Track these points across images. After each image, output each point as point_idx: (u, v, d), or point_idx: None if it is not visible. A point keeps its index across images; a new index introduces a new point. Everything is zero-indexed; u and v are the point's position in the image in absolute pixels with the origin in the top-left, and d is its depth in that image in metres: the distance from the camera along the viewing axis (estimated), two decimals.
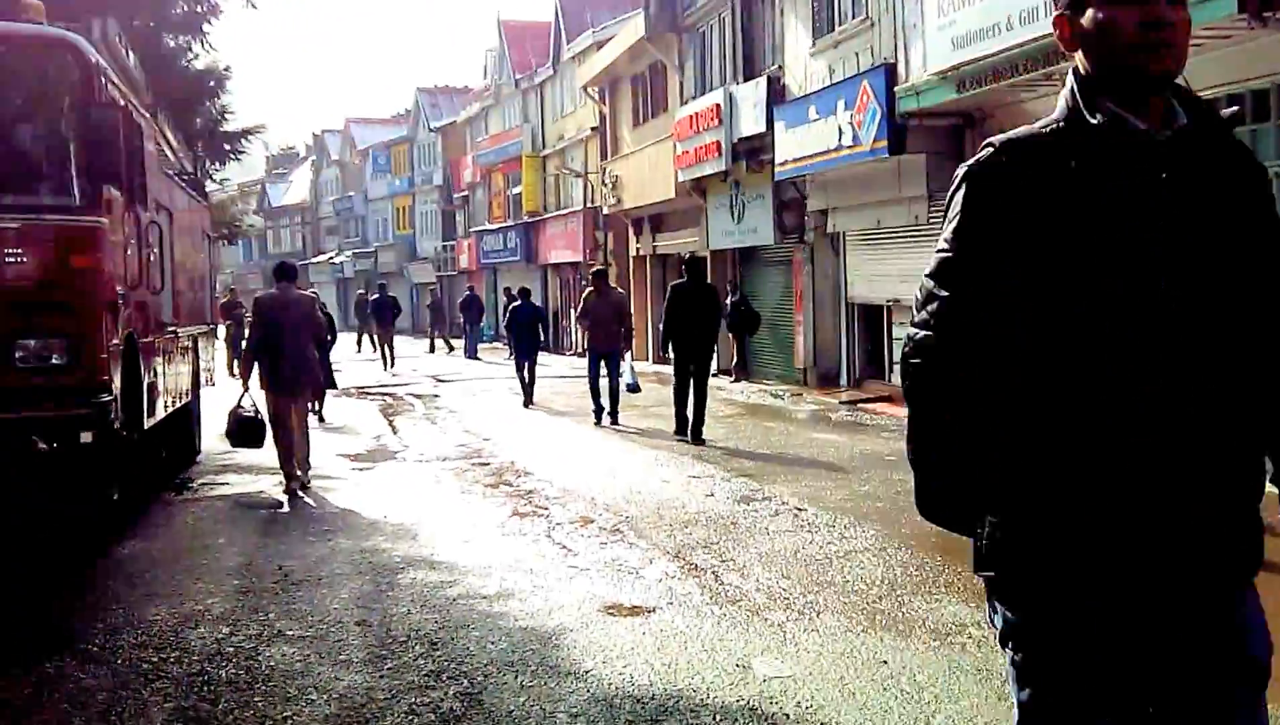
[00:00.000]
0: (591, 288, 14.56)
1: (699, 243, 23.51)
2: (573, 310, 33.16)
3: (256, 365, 9.26)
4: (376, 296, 29.73)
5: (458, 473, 10.30)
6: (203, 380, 11.77)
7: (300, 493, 9.18)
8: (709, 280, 18.10)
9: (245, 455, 10.86)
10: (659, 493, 9.01)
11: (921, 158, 14.90)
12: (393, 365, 25.92)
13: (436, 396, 18.51)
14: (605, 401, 14.08)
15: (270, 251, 70.97)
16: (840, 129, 15.74)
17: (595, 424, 13.69)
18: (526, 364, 16.90)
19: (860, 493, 8.94)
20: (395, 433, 13.67)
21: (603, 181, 27.91)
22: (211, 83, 17.71)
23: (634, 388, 14.41)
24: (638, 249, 27.46)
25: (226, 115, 17.52)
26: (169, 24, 15.81)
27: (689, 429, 12.18)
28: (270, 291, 9.82)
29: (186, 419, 10.80)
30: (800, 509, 8.20)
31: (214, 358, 13.08)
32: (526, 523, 7.92)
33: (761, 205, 20.12)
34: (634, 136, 26.73)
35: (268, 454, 9.85)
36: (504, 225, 39.56)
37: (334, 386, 15.64)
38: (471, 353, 29.11)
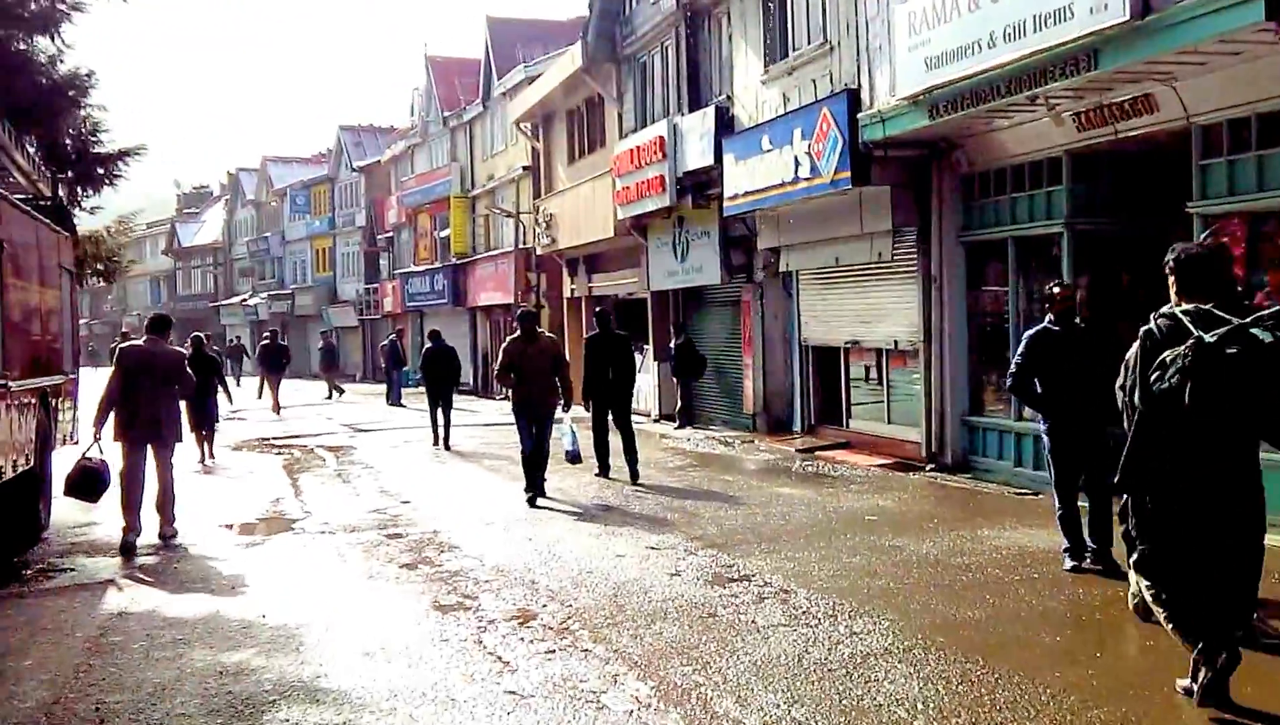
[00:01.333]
0: (518, 334, 11.54)
1: (639, 283, 22.22)
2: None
3: (112, 416, 8.91)
4: (266, 342, 29.46)
5: (367, 548, 8.70)
6: (56, 440, 10.01)
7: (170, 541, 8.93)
8: (629, 326, 18.50)
9: (104, 529, 9.22)
10: (614, 572, 7.53)
11: (886, 190, 13.77)
12: (277, 411, 25.68)
13: (352, 448, 16.79)
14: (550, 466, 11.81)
15: (180, 292, 68.24)
16: (797, 160, 14.57)
17: (530, 503, 10.71)
18: (441, 406, 17.19)
19: (852, 566, 7.56)
20: (298, 494, 11.99)
21: (536, 221, 26.53)
22: (71, 92, 15.17)
23: (575, 456, 11.96)
24: (573, 290, 26.08)
25: (99, 132, 15.48)
26: (20, 23, 13.56)
27: (630, 473, 12.55)
28: (137, 343, 9.48)
29: (29, 488, 8.98)
30: (788, 591, 6.79)
31: (76, 413, 11.29)
32: (450, 620, 6.38)
33: (707, 243, 18.88)
34: (569, 173, 25.44)
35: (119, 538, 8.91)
36: (431, 267, 37.95)
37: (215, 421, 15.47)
38: (396, 400, 27.37)
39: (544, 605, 6.59)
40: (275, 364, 27.94)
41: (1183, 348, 4.37)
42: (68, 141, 14.96)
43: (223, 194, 67.28)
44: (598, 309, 18.54)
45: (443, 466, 14.38)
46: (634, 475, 12.34)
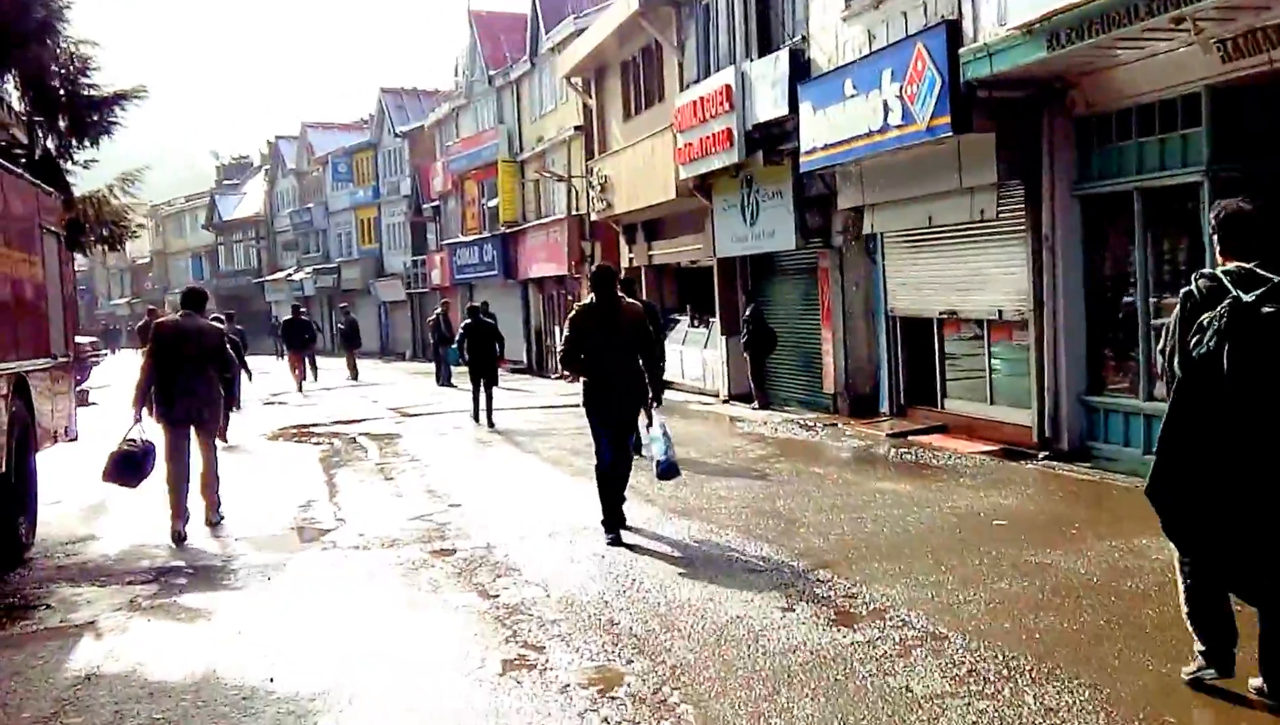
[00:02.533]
0: (590, 300, 8.50)
1: (703, 250, 20.81)
2: (557, 330, 30.58)
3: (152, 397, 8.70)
4: (288, 318, 29.27)
5: (408, 570, 7.43)
6: (42, 438, 8.84)
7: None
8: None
9: (102, 546, 8.09)
10: (709, 608, 6.19)
11: (990, 138, 12.26)
12: (299, 390, 25.81)
13: (396, 437, 15.61)
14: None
15: (222, 268, 67.75)
16: (886, 105, 13.05)
17: (612, 543, 8.09)
18: (484, 382, 17.13)
19: (1004, 596, 6.18)
20: (333, 495, 10.76)
21: (589, 184, 25.18)
22: (40, 13, 12.69)
23: (670, 469, 8.46)
24: (630, 259, 24.72)
25: (89, 71, 13.90)
26: None
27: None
28: (173, 318, 9.15)
29: (3, 502, 7.68)
30: (938, 637, 5.43)
31: (68, 403, 10.15)
32: (510, 687, 5.05)
33: (780, 204, 17.42)
34: (625, 131, 24.03)
35: (124, 549, 7.92)
36: (479, 237, 36.77)
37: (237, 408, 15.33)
38: (445, 380, 26.21)
39: (629, 661, 5.27)
40: (298, 341, 27.71)
41: (1219, 308, 4.31)
42: (55, 83, 13.49)
43: (263, 164, 66.57)
44: (621, 278, 17.50)
45: (496, 459, 13.14)
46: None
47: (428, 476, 11.63)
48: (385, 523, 9.10)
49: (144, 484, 8.61)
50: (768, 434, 14.86)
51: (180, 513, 8.67)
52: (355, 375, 30.65)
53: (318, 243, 56.19)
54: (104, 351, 36.30)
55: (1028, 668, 4.94)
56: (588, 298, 8.64)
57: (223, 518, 9.25)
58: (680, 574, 7.02)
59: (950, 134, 11.99)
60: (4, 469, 7.46)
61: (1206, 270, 4.62)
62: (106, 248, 16.00)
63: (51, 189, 9.82)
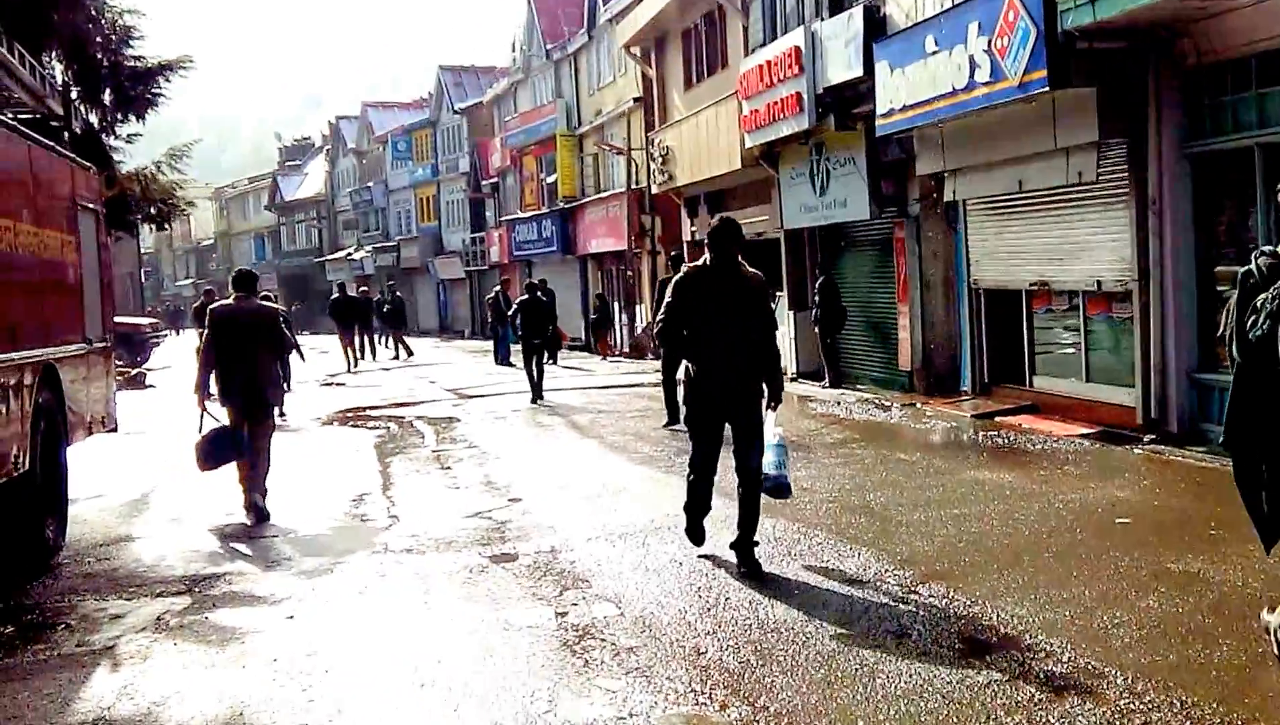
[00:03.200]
0: (701, 263, 6.62)
1: (770, 222, 19.77)
2: (642, 308, 29.68)
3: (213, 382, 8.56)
4: (335, 297, 29.05)
5: (465, 580, 6.56)
6: (75, 430, 8.15)
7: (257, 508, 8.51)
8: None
9: (136, 550, 7.40)
10: (811, 631, 5.25)
11: (1090, 94, 11.14)
12: (348, 370, 25.62)
13: (454, 421, 14.83)
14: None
15: (285, 248, 67.74)
16: (973, 61, 11.94)
17: (745, 569, 6.44)
18: (535, 359, 17.03)
19: (1158, 618, 5.17)
20: (386, 488, 9.96)
21: (649, 156, 24.19)
22: None
23: (781, 487, 6.80)
24: (693, 232, 23.73)
25: (131, 40, 13.17)
26: None
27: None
28: (226, 302, 9.00)
29: (28, 500, 6.98)
30: (1092, 673, 4.45)
31: (105, 391, 9.47)
32: None
33: (853, 172, 16.34)
34: (686, 100, 23.00)
35: (160, 553, 7.25)
36: (537, 213, 35.99)
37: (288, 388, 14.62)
38: (504, 358, 25.50)
39: (723, 706, 4.34)
40: (347, 320, 27.47)
41: (1273, 289, 3.99)
42: (98, 54, 12.76)
43: (324, 145, 66.35)
44: (673, 252, 17.17)
45: (557, 445, 12.29)
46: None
47: (486, 466, 10.82)
48: (441, 521, 8.28)
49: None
50: (843, 415, 13.88)
51: (257, 487, 8.63)
52: (402, 354, 30.09)
53: (378, 221, 55.84)
54: (165, 332, 36.10)
55: (1215, 721, 3.97)
56: (698, 260, 6.64)
57: (267, 512, 8.77)
58: (770, 585, 6.12)
59: (1046, 90, 10.88)
60: (26, 466, 6.75)
61: (1267, 247, 4.31)
62: (155, 226, 15.37)
63: (89, 164, 9.10)
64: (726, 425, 6.60)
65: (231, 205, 76.16)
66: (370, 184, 56.11)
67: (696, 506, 6.87)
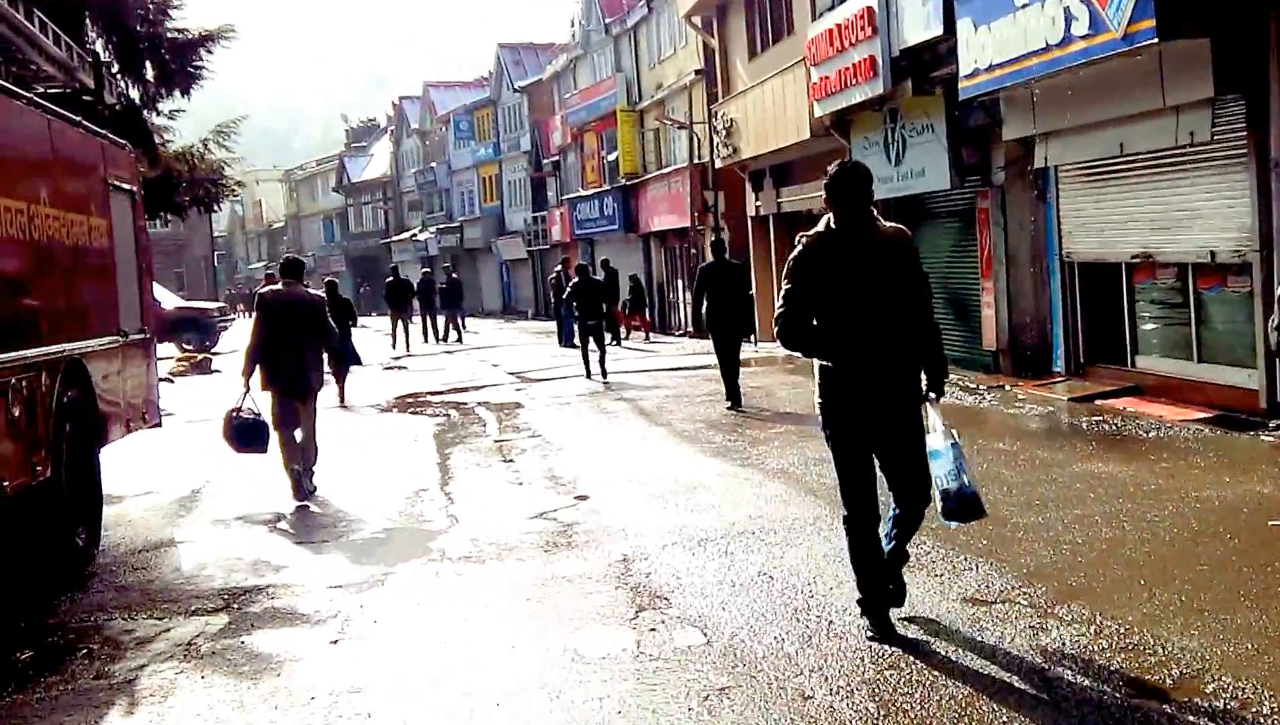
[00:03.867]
0: (823, 227, 4.86)
1: None
2: (680, 285, 28.85)
3: (258, 367, 8.55)
4: (390, 280, 28.67)
5: (529, 596, 5.75)
6: (110, 428, 7.49)
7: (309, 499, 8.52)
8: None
9: (176, 558, 6.74)
10: (937, 670, 4.39)
11: (1203, 45, 9.98)
12: (406, 348, 25.62)
13: (517, 407, 14.08)
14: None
15: (351, 230, 67.67)
16: (1069, 13, 10.82)
17: (875, 634, 4.79)
18: (593, 337, 17.16)
19: None
20: (445, 483, 9.20)
21: (712, 129, 23.21)
22: None
23: (969, 504, 5.02)
24: (758, 207, 22.74)
25: (169, 8, 12.41)
26: None
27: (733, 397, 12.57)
28: (275, 288, 8.98)
29: (53, 509, 6.31)
30: None
31: (145, 385, 8.81)
32: None
33: (931, 139, 15.25)
34: (751, 71, 21.94)
35: (201, 560, 6.49)
36: (599, 191, 35.14)
37: (358, 362, 15.64)
38: (568, 340, 24.71)
39: None
40: (401, 303, 27.12)
41: None
42: (137, 26, 12.06)
43: (388, 125, 66.08)
44: (713, 237, 16.56)
45: (625, 434, 11.45)
46: (737, 402, 12.61)
47: (550, 458, 10.01)
48: (503, 522, 7.49)
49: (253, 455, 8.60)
50: None
51: (306, 471, 8.70)
52: (460, 337, 29.53)
53: (441, 202, 55.42)
54: (232, 316, 35.89)
55: None
56: (821, 223, 4.92)
57: (315, 488, 8.82)
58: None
59: (1154, 41, 9.74)
60: (49, 473, 6.07)
61: None
62: (203, 208, 14.68)
63: (124, 142, 8.43)
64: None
65: (300, 187, 76.35)
66: (433, 164, 55.67)
67: (868, 567, 4.86)
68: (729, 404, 12.65)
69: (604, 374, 16.69)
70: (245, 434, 8.48)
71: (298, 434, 8.73)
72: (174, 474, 10.16)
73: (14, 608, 5.94)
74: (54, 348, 6.29)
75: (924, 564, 5.86)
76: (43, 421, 6.03)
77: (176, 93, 12.62)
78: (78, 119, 7.17)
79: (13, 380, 5.66)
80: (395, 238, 60.70)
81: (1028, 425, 10.69)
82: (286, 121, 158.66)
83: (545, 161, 42.34)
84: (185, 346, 27.08)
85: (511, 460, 10.04)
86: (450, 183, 53.88)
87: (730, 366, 12.72)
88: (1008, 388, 13.00)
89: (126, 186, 8.17)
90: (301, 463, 8.65)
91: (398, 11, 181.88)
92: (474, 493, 8.65)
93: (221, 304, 35.00)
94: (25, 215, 5.93)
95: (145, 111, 11.98)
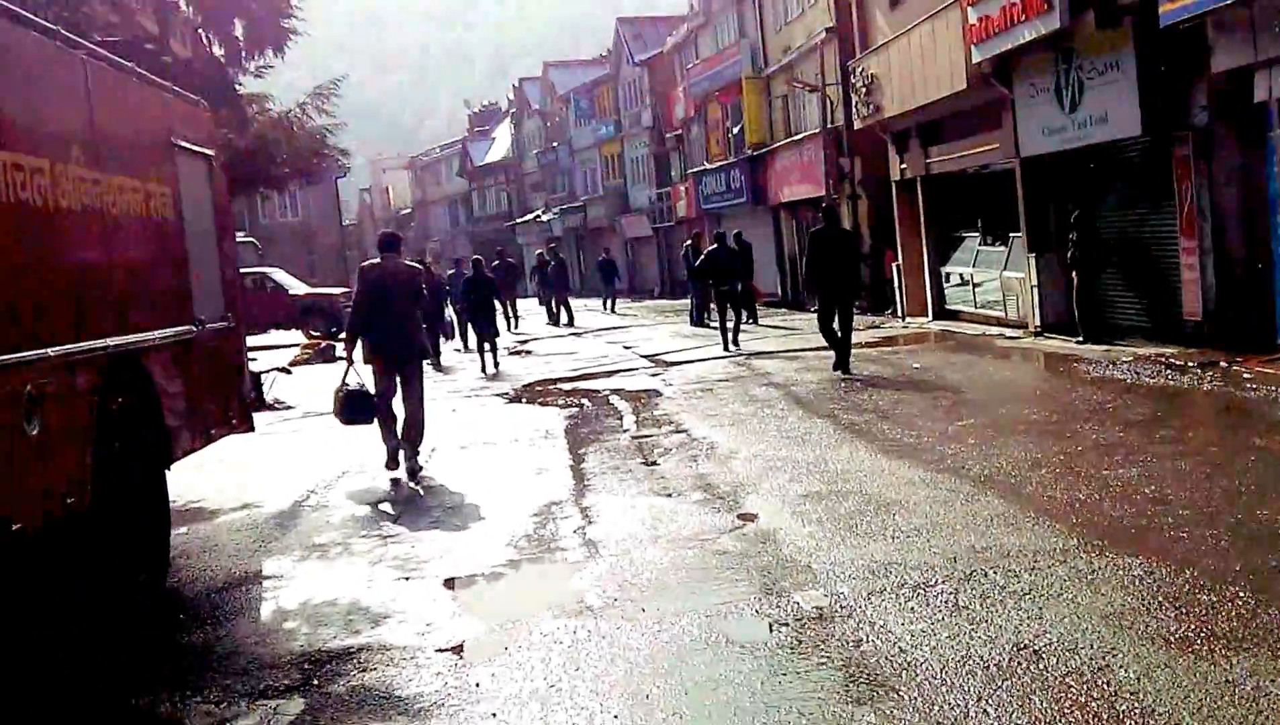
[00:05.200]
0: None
1: (1000, 150, 16.56)
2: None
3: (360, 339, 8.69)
4: (495, 263, 27.42)
5: (697, 679, 4.07)
6: (184, 439, 6.15)
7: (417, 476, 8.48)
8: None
9: (252, 602, 5.40)
10: None
11: None
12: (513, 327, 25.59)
13: (654, 396, 12.46)
14: None
15: (476, 214, 67.17)
16: None
17: None
18: (730, 306, 17.01)
19: None
20: (580, 495, 7.56)
21: (851, 88, 21.15)
22: None
23: None
24: (902, 170, 20.64)
25: None
26: None
27: (839, 362, 12.78)
28: (374, 261, 9.06)
29: (93, 548, 4.97)
30: None
31: (232, 385, 7.50)
32: None
33: (1117, 80, 13.05)
34: (893, 20, 19.82)
35: (283, 608, 5.11)
36: (724, 163, 33.29)
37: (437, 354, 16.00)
38: (697, 319, 23.05)
39: None
40: (504, 283, 25.82)
41: None
42: None
43: (509, 108, 65.26)
44: (824, 205, 16.93)
45: (782, 428, 9.68)
46: (844, 365, 12.73)
47: (701, 461, 8.35)
48: (652, 553, 5.88)
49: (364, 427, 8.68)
50: (1127, 380, 10.80)
51: (394, 453, 8.68)
52: (570, 321, 27.94)
53: (564, 182, 54.25)
54: None
55: None
56: None
57: (422, 467, 8.73)
58: (1216, 703, 3.47)
59: None
60: (85, 503, 4.72)
61: None
62: (304, 180, 13.33)
63: (195, 97, 7.10)
64: None
65: (425, 174, 76.36)
66: (555, 144, 54.51)
67: None
68: (838, 372, 12.69)
69: (736, 343, 16.56)
70: (350, 405, 8.59)
71: (398, 407, 8.70)
72: (278, 482, 8.90)
73: (30, 683, 4.61)
74: (92, 344, 4.91)
75: (1247, 658, 4.01)
76: (78, 437, 4.67)
77: (269, 51, 11.33)
78: (129, 65, 5.81)
79: (27, 388, 4.28)
80: (519, 220, 59.86)
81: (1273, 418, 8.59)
82: (414, 114, 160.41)
83: (668, 136, 40.65)
84: (312, 333, 26.42)
85: (655, 463, 8.42)
86: (572, 162, 52.65)
87: (842, 330, 12.85)
88: (1225, 365, 10.84)
89: (198, 148, 6.79)
90: (400, 436, 8.65)
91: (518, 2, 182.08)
92: (614, 509, 7.06)
93: (348, 289, 34.42)
94: (43, 176, 4.55)
95: (232, 71, 10.74)
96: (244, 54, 11.09)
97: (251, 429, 7.95)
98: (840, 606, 4.76)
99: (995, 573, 5.00)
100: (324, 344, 22.51)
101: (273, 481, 8.94)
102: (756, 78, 30.49)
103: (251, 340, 25.70)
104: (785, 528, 6.17)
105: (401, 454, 8.65)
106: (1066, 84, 14.17)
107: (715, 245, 17.85)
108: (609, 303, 32.81)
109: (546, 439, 10.06)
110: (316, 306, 28.41)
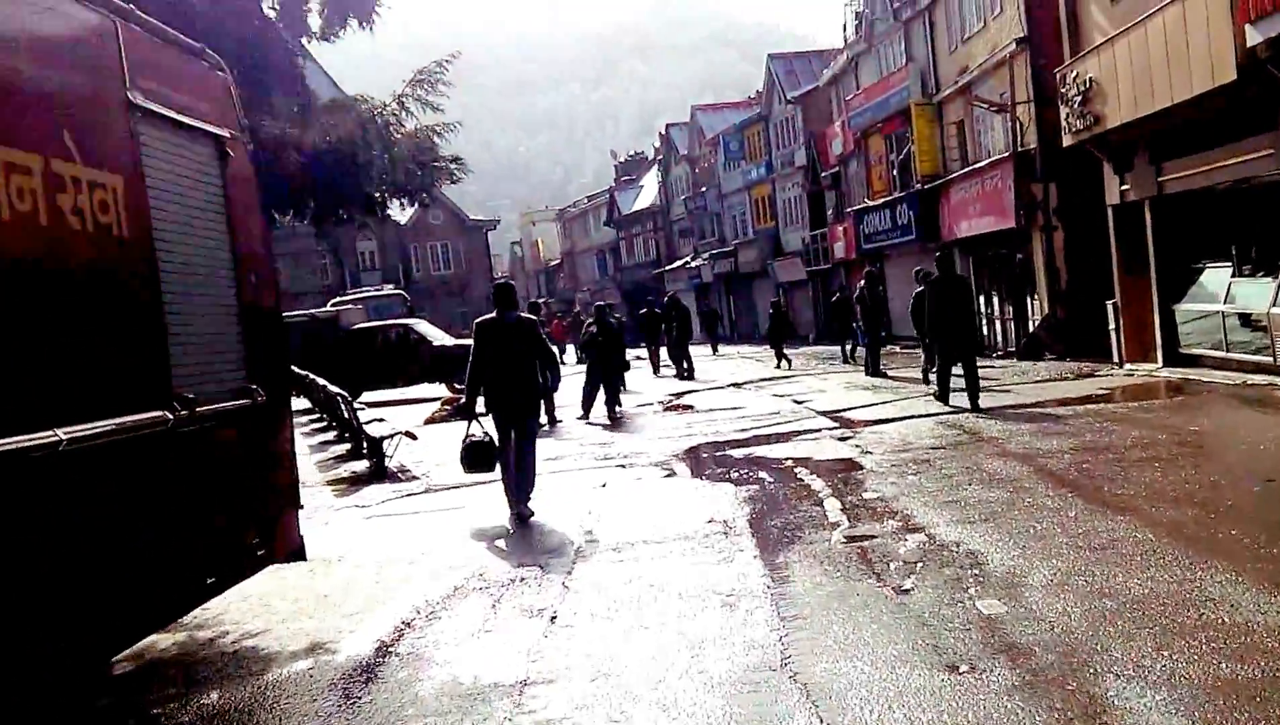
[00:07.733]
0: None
1: (1272, 159, 13.05)
2: (1037, 299, 22.85)
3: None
4: (643, 311, 27.24)
5: None
6: (143, 609, 3.55)
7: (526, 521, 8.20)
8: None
9: None
10: None
11: None
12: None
13: (855, 470, 9.39)
14: None
15: (624, 262, 65.32)
16: None
17: None
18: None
19: None
20: (791, 652, 4.61)
21: (1060, 98, 17.82)
22: None
23: None
24: (1123, 192, 17.15)
25: None
26: None
27: (970, 400, 12.40)
28: (489, 316, 8.71)
29: None
30: None
31: (261, 491, 4.86)
32: None
33: None
34: (1113, 15, 16.51)
35: None
36: (889, 198, 30.14)
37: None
38: (874, 367, 19.82)
39: None
40: (652, 333, 24.98)
41: None
42: None
43: (656, 155, 63.41)
44: (938, 253, 14.10)
45: (1064, 525, 6.56)
46: (974, 405, 12.27)
47: (972, 589, 5.31)
48: None
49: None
50: None
51: (510, 499, 8.57)
52: (690, 373, 24.24)
53: (713, 227, 51.78)
54: None
55: None
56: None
57: (532, 513, 8.48)
58: None
59: None
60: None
61: None
62: (407, 200, 10.85)
63: (197, 44, 4.64)
64: None
65: (573, 225, 75.29)
66: (703, 189, 52.16)
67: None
68: (938, 398, 12.93)
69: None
70: (472, 455, 8.53)
71: (514, 457, 8.53)
72: (368, 601, 6.34)
73: None
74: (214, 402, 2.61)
75: None
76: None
77: (353, 23, 8.96)
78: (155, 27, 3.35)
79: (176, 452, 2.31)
80: (668, 267, 57.62)
81: None
82: (563, 172, 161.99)
83: (823, 175, 37.71)
84: (456, 387, 24.35)
85: (901, 589, 5.44)
86: (721, 206, 50.14)
87: (969, 384, 12.53)
88: None
89: (202, 125, 4.27)
90: (516, 488, 8.50)
91: (666, 56, 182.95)
92: (867, 695, 4.13)
93: None
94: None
95: (292, 40, 8.40)
96: (320, 18, 8.78)
97: (299, 556, 5.41)
98: None
99: None
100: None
101: (362, 599, 6.39)
102: (927, 104, 27.36)
103: (387, 394, 24.03)
104: (1125, 705, 3.15)
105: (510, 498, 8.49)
106: None
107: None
108: (714, 348, 34.20)
109: (726, 537, 7.17)
110: (459, 358, 26.37)
